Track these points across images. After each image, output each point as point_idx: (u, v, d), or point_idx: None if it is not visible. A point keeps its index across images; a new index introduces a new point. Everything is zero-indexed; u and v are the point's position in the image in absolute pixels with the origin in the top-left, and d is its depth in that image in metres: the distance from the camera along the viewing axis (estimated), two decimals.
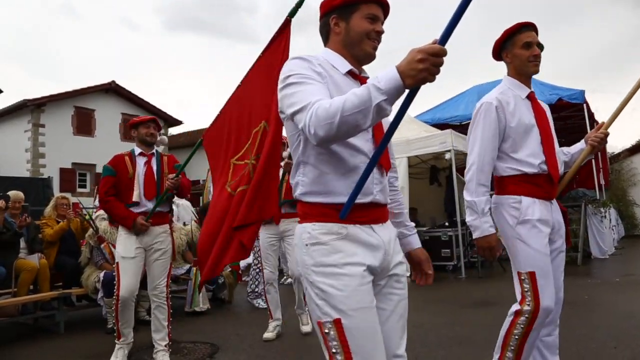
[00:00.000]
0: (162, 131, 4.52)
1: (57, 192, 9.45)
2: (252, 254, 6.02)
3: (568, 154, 2.59)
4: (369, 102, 1.24)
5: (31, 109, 19.90)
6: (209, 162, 3.09)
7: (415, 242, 1.81)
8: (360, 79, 1.61)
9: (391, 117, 1.37)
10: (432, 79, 1.22)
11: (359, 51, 1.60)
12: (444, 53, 1.20)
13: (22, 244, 5.21)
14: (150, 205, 3.61)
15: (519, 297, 2.27)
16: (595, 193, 9.72)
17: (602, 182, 10.70)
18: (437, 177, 9.81)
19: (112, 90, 22.09)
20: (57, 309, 4.99)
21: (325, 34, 1.67)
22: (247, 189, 2.64)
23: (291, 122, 1.50)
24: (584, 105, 10.01)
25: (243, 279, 6.36)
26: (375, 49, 1.61)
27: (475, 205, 2.29)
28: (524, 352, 2.24)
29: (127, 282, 3.49)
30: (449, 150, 7.75)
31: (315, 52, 1.65)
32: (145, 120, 3.81)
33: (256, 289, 5.95)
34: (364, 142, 1.51)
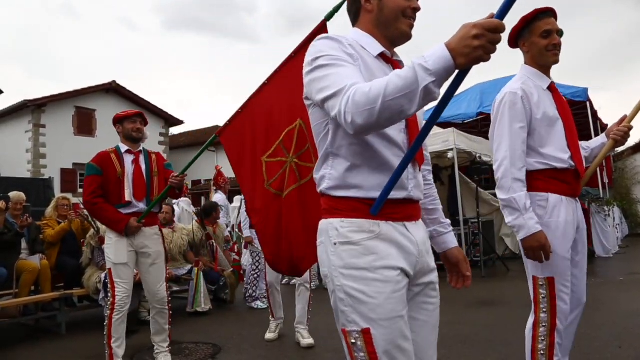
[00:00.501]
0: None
1: (58, 193, 9.41)
2: (250, 259, 5.99)
3: (588, 148, 2.47)
4: (416, 85, 1.09)
5: (32, 109, 19.96)
6: (229, 158, 3.00)
7: (452, 241, 1.64)
8: (393, 62, 1.46)
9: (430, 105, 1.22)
10: (487, 59, 1.08)
11: (394, 31, 1.44)
12: (503, 29, 1.06)
13: (24, 244, 5.20)
14: (140, 206, 3.46)
15: (533, 303, 2.16)
16: (599, 191, 9.67)
17: (606, 180, 10.64)
18: (439, 176, 9.76)
19: (113, 90, 22.10)
20: (58, 310, 4.99)
21: (355, 12, 1.51)
22: (297, 187, 2.56)
23: (318, 110, 1.38)
24: (587, 103, 9.95)
25: (245, 279, 6.34)
26: (411, 27, 1.45)
27: (515, 202, 2.08)
28: (554, 357, 2.12)
29: (122, 288, 3.36)
30: (451, 149, 7.71)
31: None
32: (131, 115, 3.61)
33: (254, 294, 5.91)
34: (397, 132, 1.37)
